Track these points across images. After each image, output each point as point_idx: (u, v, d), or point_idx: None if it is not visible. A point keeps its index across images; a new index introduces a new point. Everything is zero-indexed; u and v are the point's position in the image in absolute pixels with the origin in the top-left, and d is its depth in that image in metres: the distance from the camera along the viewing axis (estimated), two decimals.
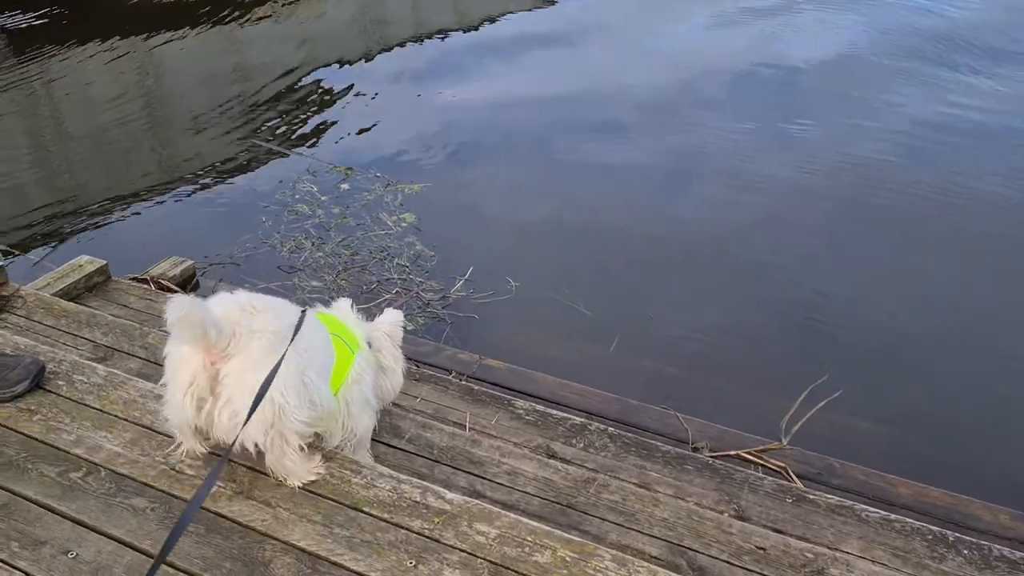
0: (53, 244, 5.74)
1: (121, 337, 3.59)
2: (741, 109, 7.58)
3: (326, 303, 2.92)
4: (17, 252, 5.46)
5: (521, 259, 5.38)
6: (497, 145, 7.10)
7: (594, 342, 4.68)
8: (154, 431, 2.69)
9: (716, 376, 4.48)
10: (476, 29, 9.98)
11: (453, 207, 6.01)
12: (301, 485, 2.46)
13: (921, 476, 3.64)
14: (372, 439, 2.96)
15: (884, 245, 5.62)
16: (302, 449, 2.40)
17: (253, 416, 2.18)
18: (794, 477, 3.64)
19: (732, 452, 3.79)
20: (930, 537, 2.95)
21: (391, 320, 2.90)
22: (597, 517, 2.78)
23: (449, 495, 2.48)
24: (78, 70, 8.74)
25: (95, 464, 2.55)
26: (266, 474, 2.51)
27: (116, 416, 2.74)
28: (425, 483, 2.52)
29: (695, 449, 3.80)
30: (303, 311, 2.45)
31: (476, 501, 2.46)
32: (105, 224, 5.99)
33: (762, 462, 3.72)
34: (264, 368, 2.19)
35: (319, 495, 2.47)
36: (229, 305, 2.29)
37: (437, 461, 2.99)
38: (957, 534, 3.01)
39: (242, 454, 2.38)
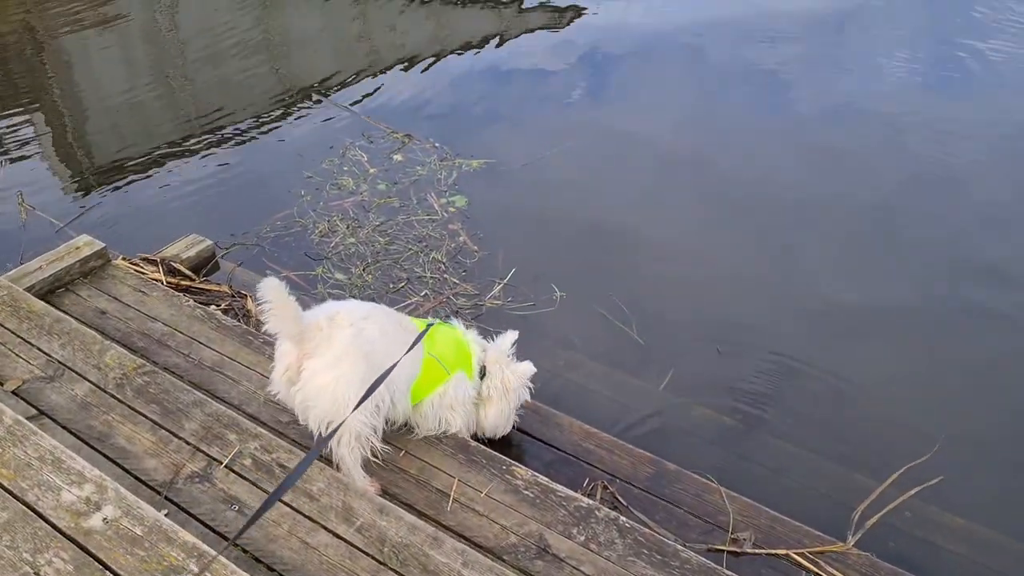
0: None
1: (79, 352, 3.19)
2: None
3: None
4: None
5: (576, 262, 4.67)
6: (584, 119, 6.30)
7: (642, 376, 3.98)
8: (35, 512, 2.25)
9: (786, 436, 3.70)
10: None
11: (511, 191, 5.32)
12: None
13: None
14: (319, 524, 2.56)
15: None
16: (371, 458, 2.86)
17: (315, 408, 2.68)
18: None
19: (781, 551, 3.07)
20: None
21: (519, 370, 3.23)
22: None
23: None
24: None
25: None
26: None
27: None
28: None
29: (734, 540, 3.11)
30: (428, 325, 2.98)
31: None
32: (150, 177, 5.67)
33: (816, 570, 2.99)
34: (334, 371, 2.64)
35: None
36: (319, 315, 2.74)
37: (384, 564, 2.44)
38: None
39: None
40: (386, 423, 2.91)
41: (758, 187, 5.37)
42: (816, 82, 6.82)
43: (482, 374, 3.19)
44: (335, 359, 2.65)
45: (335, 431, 2.57)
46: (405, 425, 3.11)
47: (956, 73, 6.92)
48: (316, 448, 2.44)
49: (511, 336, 3.30)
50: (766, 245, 4.87)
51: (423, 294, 4.34)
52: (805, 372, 3.99)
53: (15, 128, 6.51)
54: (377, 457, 2.89)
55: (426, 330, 2.92)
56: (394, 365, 2.63)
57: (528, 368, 3.24)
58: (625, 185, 5.45)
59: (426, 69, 7.22)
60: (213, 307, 3.94)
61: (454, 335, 3.15)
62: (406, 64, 7.32)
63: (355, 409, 2.57)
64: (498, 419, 3.22)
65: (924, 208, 5.18)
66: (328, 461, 2.83)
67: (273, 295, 2.52)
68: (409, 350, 2.77)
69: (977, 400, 3.91)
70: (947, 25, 7.85)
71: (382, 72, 7.18)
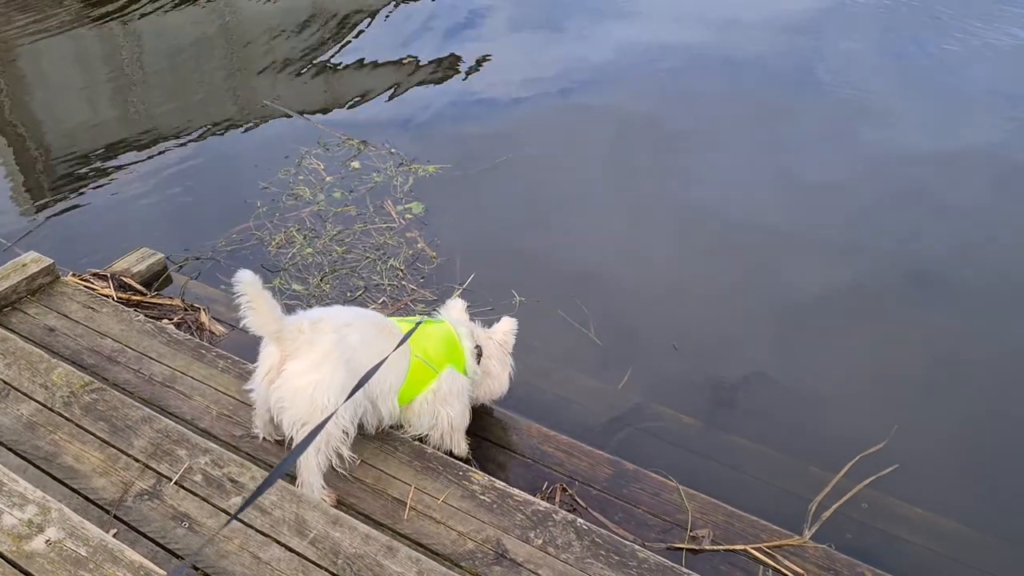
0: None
1: (24, 371, 3.12)
2: None
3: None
4: None
5: (535, 267, 4.67)
6: (538, 123, 6.30)
7: (601, 376, 4.00)
8: None
9: (743, 432, 3.73)
10: None
11: (468, 196, 5.30)
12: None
13: None
14: (271, 538, 2.52)
15: None
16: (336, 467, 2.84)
17: (290, 410, 2.69)
18: None
19: (739, 546, 3.10)
20: None
21: (504, 328, 3.38)
22: None
23: None
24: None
25: None
26: None
27: None
28: None
29: (693, 538, 3.13)
30: (417, 323, 2.99)
31: None
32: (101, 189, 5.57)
33: (774, 564, 3.02)
34: (313, 375, 2.66)
35: None
36: (303, 318, 2.76)
37: None
38: None
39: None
40: (361, 428, 2.94)
41: (716, 188, 5.43)
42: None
43: (479, 354, 3.23)
44: (315, 363, 2.68)
45: (314, 436, 2.41)
46: (398, 426, 3.14)
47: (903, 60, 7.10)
48: (294, 453, 2.35)
49: (458, 304, 3.41)
50: (720, 246, 4.92)
51: (380, 301, 4.32)
52: (760, 368, 4.03)
53: None
54: (344, 465, 2.86)
55: (411, 332, 2.91)
56: (372, 371, 2.57)
57: (510, 324, 3.38)
58: (584, 190, 5.47)
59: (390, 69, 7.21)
60: (165, 321, 3.89)
61: (441, 330, 3.14)
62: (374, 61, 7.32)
63: (331, 416, 2.53)
64: (504, 384, 3.36)
65: (874, 201, 5.26)
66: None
67: (249, 288, 2.55)
68: (393, 351, 2.75)
69: (929, 390, 3.98)
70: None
71: (339, 70, 7.15)
